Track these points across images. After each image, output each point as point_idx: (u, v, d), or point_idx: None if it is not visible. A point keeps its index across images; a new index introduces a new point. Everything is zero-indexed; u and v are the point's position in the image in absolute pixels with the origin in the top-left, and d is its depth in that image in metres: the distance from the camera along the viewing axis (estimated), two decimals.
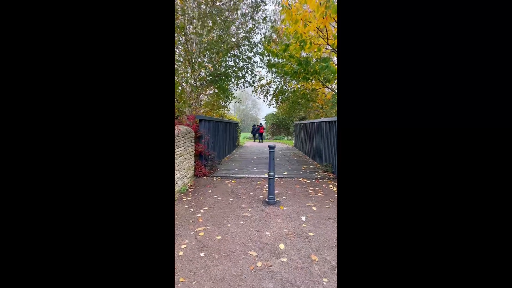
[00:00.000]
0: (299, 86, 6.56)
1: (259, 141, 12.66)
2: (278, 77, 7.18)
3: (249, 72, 5.51)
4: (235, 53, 5.37)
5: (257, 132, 12.70)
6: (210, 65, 5.00)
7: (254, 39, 5.05)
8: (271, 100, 7.51)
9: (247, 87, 5.72)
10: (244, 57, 5.31)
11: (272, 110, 20.63)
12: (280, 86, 7.00)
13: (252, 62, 5.40)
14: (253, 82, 5.67)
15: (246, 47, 5.32)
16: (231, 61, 5.35)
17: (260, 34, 4.76)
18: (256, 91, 7.40)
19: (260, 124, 12.61)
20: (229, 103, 6.67)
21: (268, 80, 7.23)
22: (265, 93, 7.45)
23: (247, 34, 5.19)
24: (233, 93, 6.28)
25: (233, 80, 5.41)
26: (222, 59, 5.21)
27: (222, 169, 4.53)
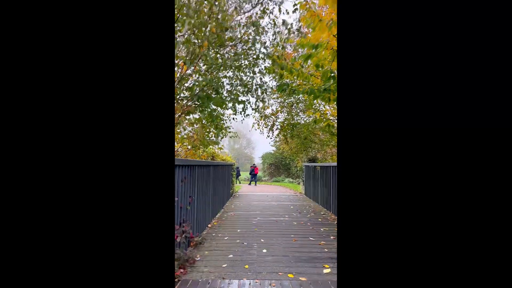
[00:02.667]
0: (316, 116, 4.85)
1: (255, 184, 11.44)
2: (285, 107, 5.52)
3: (254, 93, 3.77)
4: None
5: (251, 173, 11.66)
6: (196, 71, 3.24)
7: (258, 50, 3.31)
8: (278, 134, 5.70)
9: (247, 114, 3.96)
10: (246, 70, 3.59)
11: (270, 148, 18.97)
12: (289, 117, 5.31)
13: (257, 78, 3.73)
14: (257, 108, 3.92)
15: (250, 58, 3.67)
16: (227, 72, 3.62)
17: (266, 46, 2.95)
18: (258, 123, 5.63)
19: (254, 164, 11.63)
20: (222, 137, 4.82)
21: (274, 110, 5.52)
22: (270, 126, 5.71)
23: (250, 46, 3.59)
24: (227, 124, 4.51)
25: (228, 101, 3.60)
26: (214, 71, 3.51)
27: (205, 258, 2.43)
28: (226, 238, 2.98)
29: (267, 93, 3.65)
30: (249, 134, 48.64)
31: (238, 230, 3.31)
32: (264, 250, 2.56)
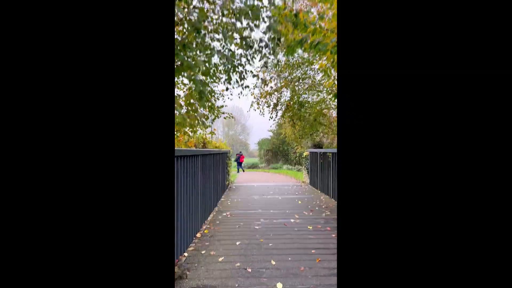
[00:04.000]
0: (334, 89, 3.88)
1: (243, 171, 11.73)
2: (289, 83, 4.51)
3: (250, 59, 2.76)
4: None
5: (237, 161, 11.76)
6: None
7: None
8: (283, 115, 4.69)
9: (245, 86, 2.96)
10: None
11: (267, 134, 18.06)
12: (295, 95, 4.30)
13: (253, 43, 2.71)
14: (258, 73, 2.93)
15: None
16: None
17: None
18: (258, 102, 4.59)
19: (240, 152, 11.69)
20: (214, 118, 3.84)
21: (276, 85, 4.48)
22: (272, 105, 4.68)
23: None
24: (219, 102, 3.53)
25: (220, 66, 2.59)
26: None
27: None
28: (221, 259, 2.08)
29: (270, 54, 2.66)
30: (244, 119, 47.56)
31: (238, 243, 2.42)
32: (280, 286, 1.67)
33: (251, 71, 2.65)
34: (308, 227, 2.92)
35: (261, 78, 4.20)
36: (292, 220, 3.20)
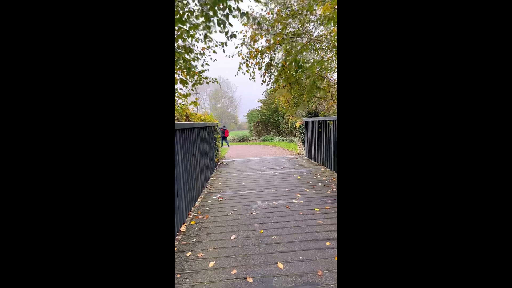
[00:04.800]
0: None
1: (227, 145, 11.56)
2: (285, 39, 3.75)
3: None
4: None
5: (221, 135, 11.35)
6: None
7: None
8: (277, 79, 3.97)
9: (232, 35, 2.25)
10: None
11: (256, 105, 17.31)
12: (294, 54, 3.56)
13: None
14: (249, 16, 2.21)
15: None
16: None
17: None
18: (247, 63, 3.81)
19: (224, 126, 11.29)
20: (195, 84, 3.15)
21: (269, 42, 3.69)
22: (265, 65, 3.92)
23: None
24: (199, 65, 2.82)
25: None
26: None
27: None
28: (211, 264, 1.59)
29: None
30: (231, 91, 45.98)
31: (232, 237, 1.93)
32: None
33: (238, 8, 1.93)
34: (315, 209, 2.46)
35: (251, 32, 3.44)
36: (294, 201, 2.74)
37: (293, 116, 11.43)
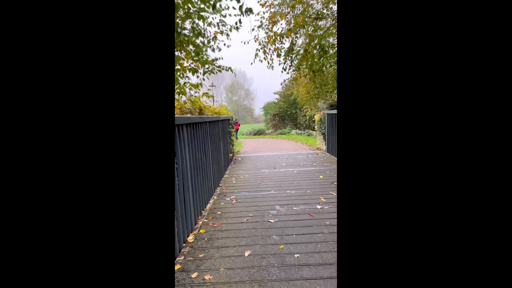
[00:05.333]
0: None
1: (236, 139, 10.90)
2: (307, 21, 3.30)
3: None
4: None
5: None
6: None
7: None
8: (298, 66, 3.55)
9: (247, 9, 1.90)
10: None
11: (272, 97, 16.85)
12: (317, 37, 3.09)
13: None
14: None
15: None
16: None
17: None
18: (265, 50, 3.42)
19: (236, 119, 10.45)
20: (205, 73, 2.83)
21: (290, 25, 3.26)
22: (285, 51, 3.49)
23: None
24: (211, 53, 2.49)
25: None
26: None
27: None
28: None
29: None
30: (248, 84, 45.57)
31: (247, 253, 1.62)
32: None
33: None
34: None
35: (269, 13, 3.03)
36: (318, 207, 2.38)
37: (312, 109, 10.88)
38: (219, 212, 2.37)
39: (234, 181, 3.51)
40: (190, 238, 1.86)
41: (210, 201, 2.70)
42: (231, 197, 2.80)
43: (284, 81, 4.37)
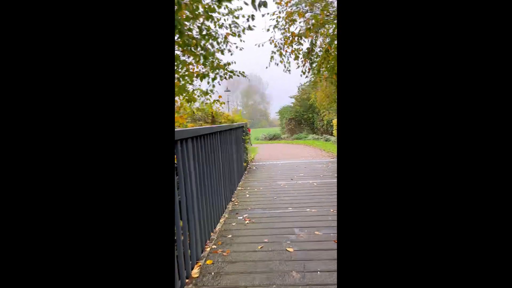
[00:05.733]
0: None
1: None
2: (328, 19, 2.98)
3: None
4: None
5: None
6: None
7: None
8: (318, 68, 3.21)
9: (263, 2, 1.63)
10: None
11: (289, 101, 16.55)
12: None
13: None
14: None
15: None
16: None
17: None
18: (281, 52, 3.13)
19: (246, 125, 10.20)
20: (215, 78, 2.59)
21: (309, 24, 2.95)
22: (304, 53, 3.18)
23: None
24: (222, 57, 2.26)
25: None
26: None
27: None
28: None
29: None
30: (263, 88, 45.53)
31: None
32: None
33: None
34: None
35: (285, 13, 2.75)
36: None
37: (330, 112, 10.42)
38: (230, 236, 2.09)
39: (247, 195, 3.22)
40: (195, 272, 1.59)
41: (221, 220, 2.43)
42: (244, 216, 2.51)
43: (302, 84, 4.06)
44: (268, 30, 2.96)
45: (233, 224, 2.33)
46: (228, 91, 15.48)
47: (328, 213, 2.45)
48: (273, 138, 15.02)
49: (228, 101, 16.21)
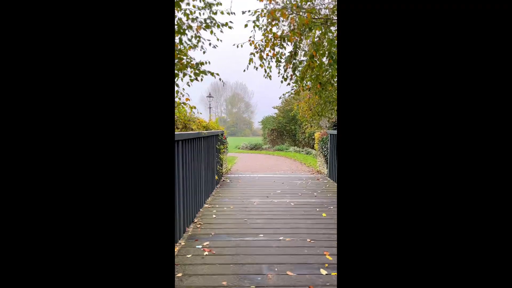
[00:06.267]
0: None
1: None
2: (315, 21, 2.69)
3: None
4: None
5: None
6: None
7: None
8: (302, 76, 2.88)
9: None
10: None
11: (272, 111, 16.40)
12: (329, 41, 2.48)
13: None
14: None
15: None
16: None
17: None
18: (261, 55, 2.76)
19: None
20: (185, 79, 2.19)
21: (293, 25, 2.64)
22: (286, 58, 2.85)
23: None
24: (194, 55, 1.89)
25: None
26: None
27: None
28: None
29: None
30: (248, 97, 45.58)
31: None
32: None
33: None
34: None
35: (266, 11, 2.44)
36: (323, 272, 1.65)
37: (312, 126, 10.28)
38: (180, 274, 1.63)
39: (214, 215, 2.77)
40: None
41: (176, 249, 1.97)
42: (204, 244, 2.06)
43: (284, 94, 3.74)
44: (246, 26, 2.61)
45: (188, 256, 1.87)
46: (210, 97, 15.03)
47: (304, 244, 2.08)
48: (254, 148, 14.67)
49: (210, 107, 15.74)
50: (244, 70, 2.90)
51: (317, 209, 2.99)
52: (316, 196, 3.62)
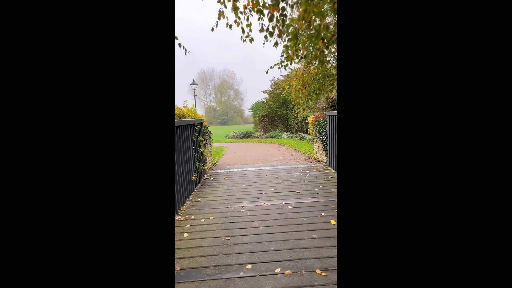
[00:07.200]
0: None
1: None
2: None
3: None
4: None
5: None
6: None
7: None
8: (295, 33, 2.11)
9: None
10: None
11: (262, 96, 15.52)
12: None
13: None
14: None
15: None
16: None
17: None
18: (234, 5, 1.96)
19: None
20: None
21: None
22: (269, 6, 2.10)
23: None
24: None
25: None
26: None
27: None
28: None
29: None
30: (237, 84, 44.25)
31: None
32: None
33: None
34: None
35: None
36: None
37: (304, 109, 9.53)
38: None
39: (185, 235, 2.05)
40: None
41: None
42: None
43: (271, 67, 3.08)
44: None
45: None
46: (195, 84, 13.97)
47: (313, 280, 1.39)
48: (245, 136, 13.89)
49: (195, 95, 14.71)
50: (213, 29, 2.08)
51: (323, 213, 2.31)
52: (318, 193, 2.93)
